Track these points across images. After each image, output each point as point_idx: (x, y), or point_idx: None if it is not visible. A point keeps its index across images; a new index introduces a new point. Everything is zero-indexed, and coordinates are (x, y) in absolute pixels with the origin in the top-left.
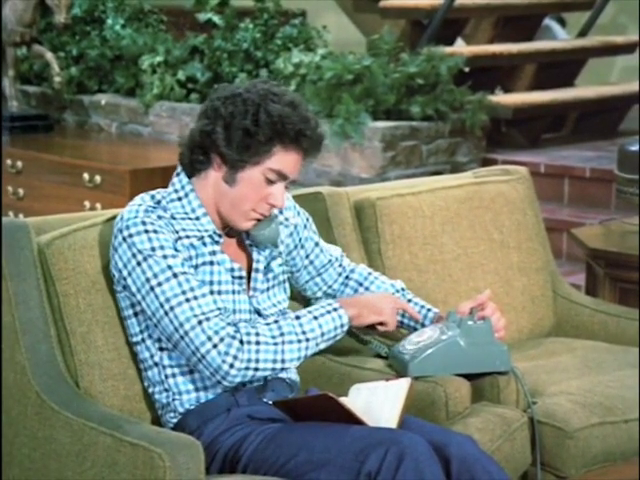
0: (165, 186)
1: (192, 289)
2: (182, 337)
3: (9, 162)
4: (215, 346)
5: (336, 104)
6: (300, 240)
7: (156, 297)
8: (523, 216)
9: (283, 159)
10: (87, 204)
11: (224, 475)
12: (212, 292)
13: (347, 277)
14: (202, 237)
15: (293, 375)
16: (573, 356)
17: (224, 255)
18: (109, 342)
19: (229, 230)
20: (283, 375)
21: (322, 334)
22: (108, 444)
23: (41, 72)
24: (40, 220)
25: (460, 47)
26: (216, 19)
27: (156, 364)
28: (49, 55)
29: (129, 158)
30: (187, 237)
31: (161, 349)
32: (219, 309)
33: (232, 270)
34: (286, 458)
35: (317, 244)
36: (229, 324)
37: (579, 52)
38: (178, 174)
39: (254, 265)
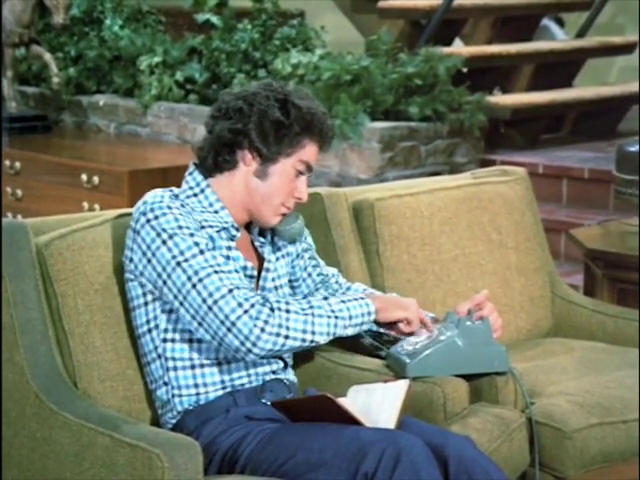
0: (164, 185)
1: (219, 265)
2: (211, 307)
3: (7, 163)
4: (246, 312)
5: (334, 104)
6: (299, 250)
7: (184, 271)
8: (521, 217)
9: (311, 150)
10: (85, 205)
11: (222, 476)
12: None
13: (344, 294)
14: (222, 229)
15: (291, 376)
16: (571, 357)
17: (238, 252)
18: (107, 343)
19: (242, 229)
20: (281, 376)
21: (350, 317)
22: (106, 445)
23: (39, 73)
24: (39, 221)
25: (458, 48)
26: (214, 20)
27: (159, 356)
28: (47, 56)
29: (127, 159)
30: (210, 227)
31: (164, 340)
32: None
33: (245, 268)
34: (284, 459)
35: (314, 257)
36: (254, 294)
37: (578, 52)
38: (191, 173)
39: (265, 265)
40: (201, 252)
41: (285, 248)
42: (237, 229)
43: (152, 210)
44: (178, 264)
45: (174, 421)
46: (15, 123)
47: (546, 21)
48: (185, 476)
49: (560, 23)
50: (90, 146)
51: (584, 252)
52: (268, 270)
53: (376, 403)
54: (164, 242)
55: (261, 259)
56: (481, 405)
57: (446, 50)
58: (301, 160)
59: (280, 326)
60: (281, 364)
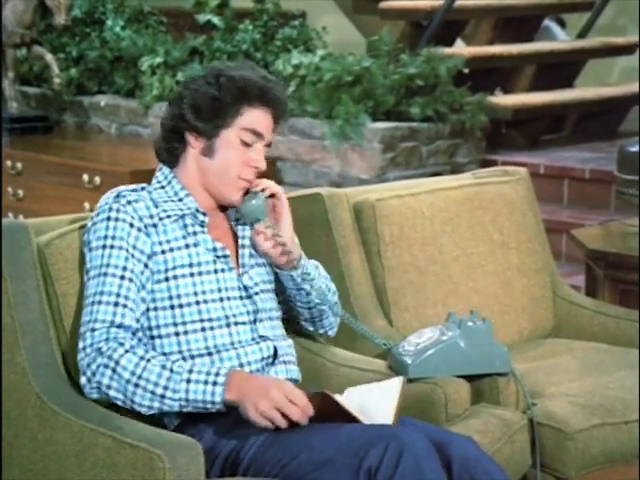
0: None
1: (102, 293)
2: (82, 332)
3: (9, 163)
4: (86, 356)
5: (335, 105)
6: None
7: (87, 288)
8: (523, 217)
9: (253, 116)
10: (87, 205)
11: (225, 479)
12: (192, 274)
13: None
14: (184, 215)
15: (295, 374)
16: (573, 357)
17: (205, 235)
18: None
19: (216, 212)
20: (283, 375)
21: (187, 400)
22: (108, 445)
23: (41, 73)
24: (40, 221)
25: (460, 48)
26: (216, 20)
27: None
28: (49, 56)
29: (129, 159)
30: (168, 217)
31: (152, 337)
32: (112, 322)
33: (215, 250)
34: (288, 459)
35: None
36: (112, 339)
37: (579, 53)
38: (160, 169)
39: (240, 242)
40: (105, 275)
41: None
42: (204, 214)
43: (95, 216)
44: (93, 276)
45: (176, 422)
46: (16, 124)
47: (547, 22)
48: (186, 477)
49: (561, 24)
50: (91, 147)
51: (585, 253)
52: (244, 247)
53: (372, 402)
54: (92, 249)
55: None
56: (482, 406)
57: (447, 51)
58: (244, 128)
59: (100, 383)
60: (271, 350)
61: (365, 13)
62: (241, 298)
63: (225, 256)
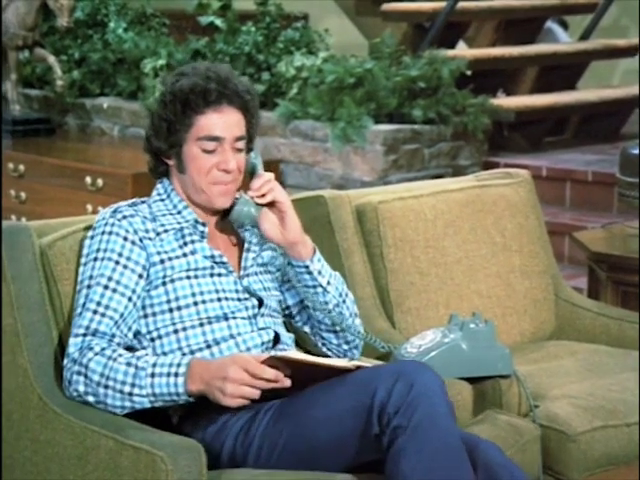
0: None
1: (84, 304)
2: (70, 338)
3: (11, 166)
4: (66, 363)
5: (338, 107)
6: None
7: (78, 298)
8: (525, 219)
9: (205, 123)
10: (89, 207)
11: (228, 470)
12: (189, 277)
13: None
14: (182, 228)
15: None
16: (575, 359)
17: (203, 243)
18: None
19: (217, 219)
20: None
21: (154, 394)
22: (110, 447)
23: (43, 75)
24: (42, 223)
25: (462, 50)
26: (218, 22)
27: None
28: (51, 58)
29: (131, 161)
30: (165, 231)
31: (152, 339)
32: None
33: (212, 257)
34: (305, 419)
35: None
36: (86, 347)
37: (581, 55)
38: (161, 181)
39: (245, 245)
40: (89, 286)
41: (257, 227)
42: (204, 224)
43: (93, 229)
44: (80, 289)
45: (179, 414)
46: (19, 126)
47: (550, 24)
48: (188, 478)
49: (564, 26)
50: (94, 149)
51: (588, 255)
52: (248, 250)
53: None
54: (84, 264)
55: (243, 243)
56: (494, 412)
57: (450, 53)
58: (199, 137)
59: (77, 390)
60: (271, 335)
61: (367, 15)
62: (239, 300)
63: (223, 262)
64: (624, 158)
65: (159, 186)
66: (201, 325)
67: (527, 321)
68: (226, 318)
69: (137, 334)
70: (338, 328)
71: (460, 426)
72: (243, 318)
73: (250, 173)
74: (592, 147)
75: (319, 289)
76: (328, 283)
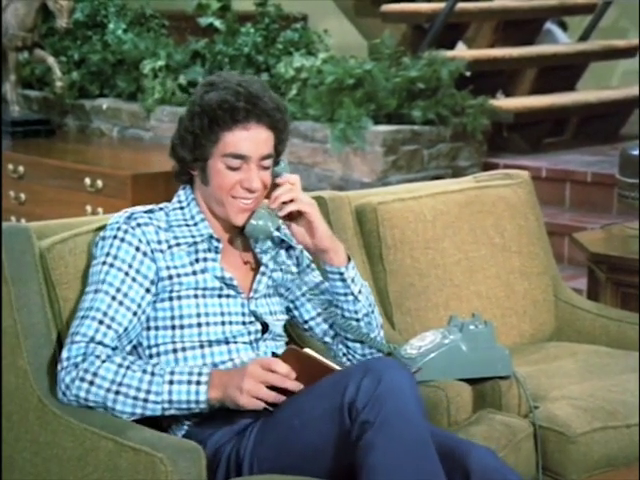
0: (167, 189)
1: (90, 308)
2: (68, 342)
3: (11, 167)
4: (64, 367)
5: (337, 108)
6: (303, 260)
7: (84, 301)
8: (524, 220)
9: (232, 140)
10: (89, 209)
11: None
12: (197, 296)
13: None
14: (195, 242)
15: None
16: (575, 360)
17: (215, 263)
18: None
19: (233, 237)
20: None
21: (170, 401)
22: (110, 449)
23: (43, 76)
24: (42, 225)
25: (461, 51)
26: (217, 23)
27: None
28: (51, 60)
29: (131, 163)
30: (178, 245)
31: (151, 356)
32: (92, 338)
33: (222, 278)
34: (284, 433)
35: (310, 265)
36: (90, 354)
37: (580, 56)
38: (184, 187)
39: (261, 268)
40: (98, 291)
41: (282, 260)
42: (218, 240)
43: (104, 231)
44: (88, 291)
45: (182, 433)
46: (18, 127)
47: (549, 24)
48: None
49: (563, 26)
50: (93, 150)
51: (587, 256)
52: (263, 274)
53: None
54: (94, 265)
55: (258, 265)
56: (488, 412)
57: (449, 54)
58: (224, 154)
59: (77, 396)
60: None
61: (367, 16)
62: (244, 323)
63: (232, 285)
64: (624, 159)
65: (181, 192)
66: (201, 347)
67: (527, 322)
68: (227, 342)
69: (137, 346)
70: (365, 339)
71: (454, 427)
72: (244, 343)
73: (273, 184)
74: (592, 148)
75: (350, 297)
76: (359, 292)
